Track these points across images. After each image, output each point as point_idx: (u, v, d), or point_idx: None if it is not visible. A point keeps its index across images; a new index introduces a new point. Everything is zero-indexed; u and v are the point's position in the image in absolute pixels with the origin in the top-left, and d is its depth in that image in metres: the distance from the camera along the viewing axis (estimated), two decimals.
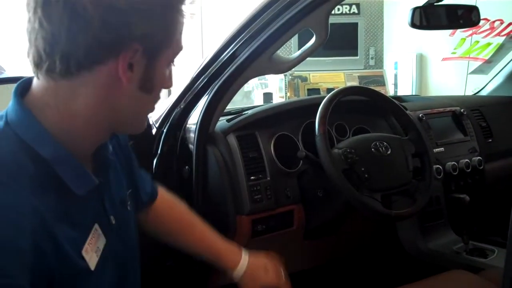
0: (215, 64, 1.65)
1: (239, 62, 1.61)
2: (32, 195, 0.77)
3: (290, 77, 4.66)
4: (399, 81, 4.96)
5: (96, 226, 0.89)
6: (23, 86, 0.86)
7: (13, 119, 0.83)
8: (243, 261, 1.30)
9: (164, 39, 0.86)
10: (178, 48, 0.90)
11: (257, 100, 4.78)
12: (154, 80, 0.87)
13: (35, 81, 0.85)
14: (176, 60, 0.92)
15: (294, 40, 4.32)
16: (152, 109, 0.94)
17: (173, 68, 0.94)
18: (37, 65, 0.82)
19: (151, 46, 0.84)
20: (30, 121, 0.82)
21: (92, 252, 0.85)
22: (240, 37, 1.60)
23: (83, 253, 0.83)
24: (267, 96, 4.66)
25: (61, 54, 0.79)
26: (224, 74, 1.64)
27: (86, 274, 0.84)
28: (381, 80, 4.78)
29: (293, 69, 4.75)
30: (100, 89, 0.83)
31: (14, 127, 0.82)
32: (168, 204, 1.33)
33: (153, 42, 0.84)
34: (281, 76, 4.64)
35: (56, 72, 0.80)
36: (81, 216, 0.86)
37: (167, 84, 0.92)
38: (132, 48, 0.81)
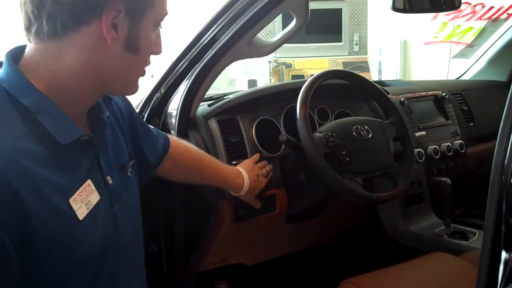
0: (195, 48, 1.64)
1: (218, 46, 1.60)
2: (15, 139, 0.83)
3: (274, 63, 4.65)
4: (383, 67, 4.97)
5: (89, 181, 0.94)
6: (14, 50, 0.93)
7: (3, 77, 0.89)
8: (245, 183, 1.59)
9: None
10: (162, 11, 0.95)
11: (242, 87, 4.75)
12: (139, 40, 0.92)
13: (27, 46, 0.91)
14: (163, 24, 0.97)
15: (278, 24, 4.31)
16: (142, 73, 0.99)
17: (161, 33, 0.98)
18: (27, 28, 0.88)
19: (133, 6, 0.89)
20: (16, 76, 0.88)
21: (81, 204, 0.90)
22: (220, 21, 1.59)
23: (71, 201, 0.88)
24: (252, 83, 4.63)
25: (48, 15, 0.85)
26: (204, 58, 1.63)
27: (74, 223, 0.88)
28: (365, 66, 4.78)
29: (277, 55, 4.76)
30: (87, 49, 0.88)
31: (3, 83, 0.88)
32: (182, 150, 1.49)
33: (134, 1, 0.89)
34: (266, 62, 4.63)
35: (44, 33, 0.86)
36: (72, 168, 0.91)
37: (155, 49, 0.98)
38: (114, 8, 0.86)
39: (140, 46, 0.93)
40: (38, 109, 0.87)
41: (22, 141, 0.84)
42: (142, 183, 1.25)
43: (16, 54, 0.92)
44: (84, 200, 0.91)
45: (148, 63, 0.99)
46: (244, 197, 1.64)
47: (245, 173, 1.61)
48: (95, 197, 0.94)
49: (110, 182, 1.00)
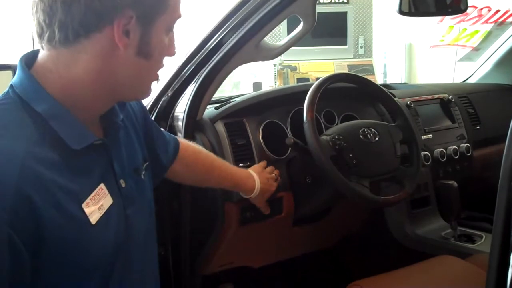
0: (202, 51, 1.64)
1: (226, 49, 1.61)
2: (28, 145, 0.84)
3: (279, 66, 4.66)
4: (388, 70, 4.97)
5: (102, 185, 0.94)
6: (28, 55, 0.93)
7: (17, 83, 0.90)
8: (257, 185, 1.60)
9: (156, 5, 0.90)
10: (175, 15, 0.94)
11: (247, 90, 4.76)
12: (151, 46, 0.92)
13: (40, 51, 0.92)
14: (175, 27, 0.97)
15: (283, 27, 4.32)
16: (155, 77, 0.99)
17: (174, 35, 0.98)
18: (39, 35, 0.88)
19: (145, 12, 0.88)
20: (30, 82, 0.89)
21: (94, 208, 0.91)
22: (227, 24, 1.59)
23: (83, 206, 0.89)
24: (257, 86, 4.65)
25: (59, 24, 0.85)
26: (211, 61, 1.64)
27: (86, 227, 0.89)
28: (370, 69, 4.79)
29: (282, 58, 4.76)
30: (99, 56, 0.89)
31: (16, 89, 0.89)
32: (191, 152, 1.49)
33: (145, 7, 0.88)
34: (271, 65, 4.63)
35: (56, 40, 0.87)
36: (85, 172, 0.92)
37: (169, 51, 0.98)
38: (126, 15, 0.86)
39: (153, 51, 0.93)
40: (51, 115, 0.88)
41: (35, 147, 0.84)
42: (154, 185, 1.25)
43: (30, 59, 0.93)
44: (97, 204, 0.92)
45: (161, 66, 0.99)
46: (254, 200, 1.65)
47: (256, 175, 1.61)
48: (108, 201, 0.95)
49: (123, 185, 1.01)
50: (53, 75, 0.90)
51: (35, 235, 0.81)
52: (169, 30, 0.96)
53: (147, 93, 1.01)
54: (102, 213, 0.93)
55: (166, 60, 1.01)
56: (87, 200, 0.90)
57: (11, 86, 0.90)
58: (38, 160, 0.84)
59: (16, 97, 0.89)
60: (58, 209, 0.84)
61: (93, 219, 0.90)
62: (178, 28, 1.01)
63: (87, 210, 0.89)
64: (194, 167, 1.50)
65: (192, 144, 1.54)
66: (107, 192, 0.95)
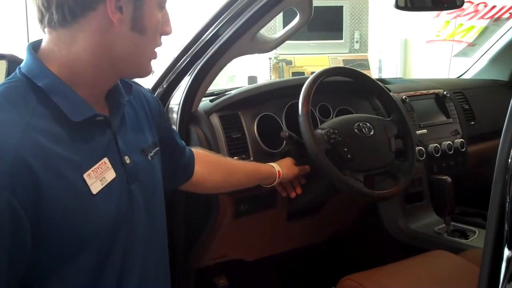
0: (198, 43, 1.63)
1: (221, 42, 1.60)
2: (31, 117, 0.88)
3: (275, 60, 4.65)
4: (383, 66, 4.97)
5: (105, 159, 0.98)
6: (34, 42, 0.99)
7: (24, 64, 0.97)
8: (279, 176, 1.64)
9: None
10: None
11: (242, 84, 4.75)
12: (144, 20, 0.96)
13: (43, 37, 0.97)
14: (167, 5, 1.01)
15: (279, 20, 4.30)
16: (152, 54, 1.03)
17: (168, 13, 1.02)
18: (40, 20, 0.94)
19: None
20: (33, 61, 0.95)
21: (96, 179, 0.94)
22: (223, 16, 1.58)
23: (85, 176, 0.92)
24: (252, 80, 4.64)
25: (56, 5, 0.90)
26: (206, 53, 1.63)
27: (87, 196, 0.92)
28: (365, 64, 4.78)
29: (278, 52, 4.74)
30: (96, 33, 0.93)
31: (23, 69, 0.95)
32: (208, 153, 1.56)
33: None
34: (266, 59, 4.62)
35: (55, 22, 0.92)
36: (86, 145, 0.95)
37: (164, 29, 1.02)
38: None
39: (147, 26, 0.97)
40: (51, 90, 0.92)
41: (37, 120, 0.89)
42: (179, 184, 1.42)
43: (36, 45, 0.98)
44: (99, 176, 0.95)
45: (158, 44, 1.02)
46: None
47: (280, 170, 1.64)
48: (110, 175, 0.98)
49: (128, 161, 1.03)
50: (55, 54, 0.95)
51: (36, 202, 0.84)
52: (161, 6, 0.99)
53: (146, 70, 1.04)
54: (104, 185, 0.96)
55: (162, 51, 1.04)
56: (89, 171, 0.93)
57: (19, 68, 0.96)
58: (40, 131, 0.88)
59: (22, 76, 0.94)
60: (59, 177, 0.88)
61: (94, 189, 0.93)
62: (172, 8, 1.05)
63: (88, 180, 0.93)
64: (214, 163, 1.54)
65: (202, 151, 1.56)
66: (110, 166, 0.98)
